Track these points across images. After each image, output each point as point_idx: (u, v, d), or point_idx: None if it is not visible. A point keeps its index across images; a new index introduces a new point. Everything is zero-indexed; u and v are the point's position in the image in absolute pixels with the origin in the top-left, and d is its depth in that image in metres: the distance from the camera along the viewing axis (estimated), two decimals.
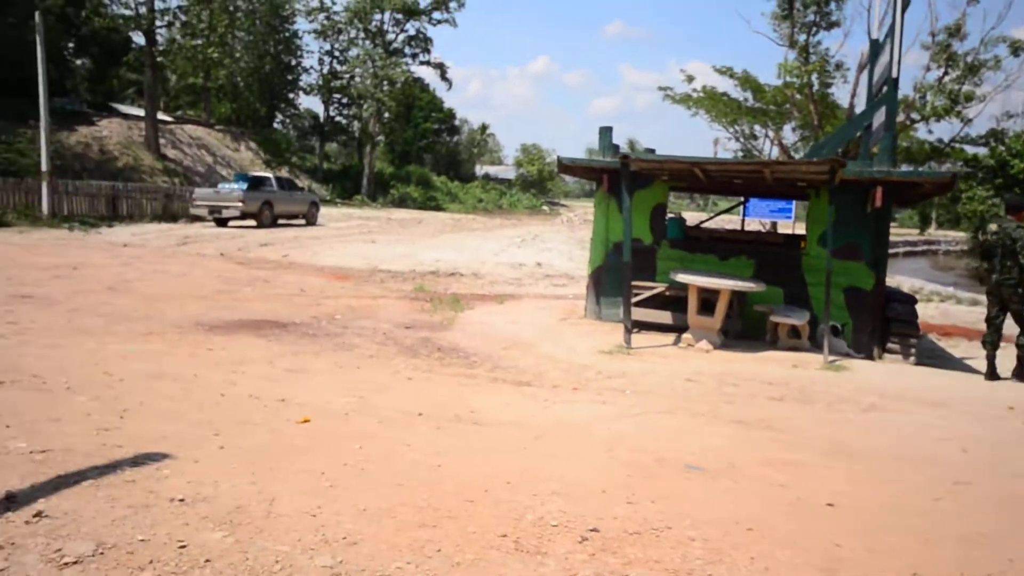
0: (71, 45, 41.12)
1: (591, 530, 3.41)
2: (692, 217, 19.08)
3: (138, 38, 40.09)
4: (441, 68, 58.71)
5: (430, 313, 10.43)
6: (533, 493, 3.83)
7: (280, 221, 26.81)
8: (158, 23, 36.94)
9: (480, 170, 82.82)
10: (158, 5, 36.97)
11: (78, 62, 44.44)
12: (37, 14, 24.24)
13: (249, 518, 3.32)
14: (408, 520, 3.40)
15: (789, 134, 32.25)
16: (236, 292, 11.54)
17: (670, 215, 11.66)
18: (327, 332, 8.63)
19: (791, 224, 23.98)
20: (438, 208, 53.55)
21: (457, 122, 76.37)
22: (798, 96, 28.87)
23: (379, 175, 55.54)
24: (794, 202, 20.68)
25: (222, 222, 25.18)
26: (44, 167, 23.68)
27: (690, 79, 31.61)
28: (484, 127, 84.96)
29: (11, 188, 23.59)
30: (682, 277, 8.91)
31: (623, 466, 4.41)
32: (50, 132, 24.29)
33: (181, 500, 3.49)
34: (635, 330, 8.91)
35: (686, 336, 9.01)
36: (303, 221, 28.41)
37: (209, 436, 4.56)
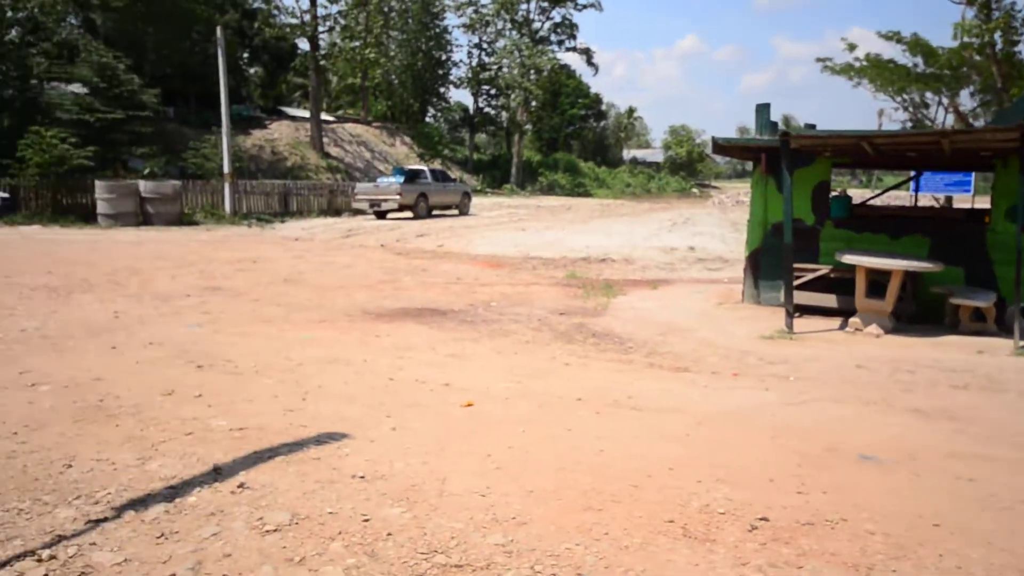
0: (245, 55, 44.37)
1: (760, 519, 3.35)
2: (856, 194, 18.01)
3: (303, 44, 42.56)
4: (587, 54, 58.52)
5: (583, 299, 10.48)
6: (697, 480, 3.80)
7: (434, 212, 27.72)
8: (320, 29, 39.09)
9: (627, 154, 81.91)
10: (320, 12, 39.11)
11: (251, 71, 47.88)
12: (219, 29, 26.28)
13: (424, 496, 3.51)
14: (574, 503, 3.48)
15: (967, 100, 29.70)
16: (397, 281, 12.08)
17: (834, 193, 11.06)
18: (484, 319, 8.87)
19: (970, 198, 22.11)
20: (586, 194, 53.53)
21: (603, 107, 75.86)
22: (977, 57, 26.50)
23: (527, 163, 56.18)
24: (973, 174, 19.01)
25: (381, 215, 26.37)
26: (226, 169, 25.73)
27: (852, 47, 29.81)
28: (631, 111, 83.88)
29: (199, 190, 25.88)
30: (849, 258, 8.45)
31: (791, 455, 4.28)
32: (230, 137, 26.32)
33: (362, 477, 3.74)
34: (797, 314, 8.55)
35: (853, 320, 8.55)
36: (456, 211, 29.23)
37: (382, 418, 4.83)
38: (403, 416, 4.88)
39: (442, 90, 58.03)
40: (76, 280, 10.98)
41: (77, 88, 28.76)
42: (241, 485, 3.60)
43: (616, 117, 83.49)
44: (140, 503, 3.42)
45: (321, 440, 4.31)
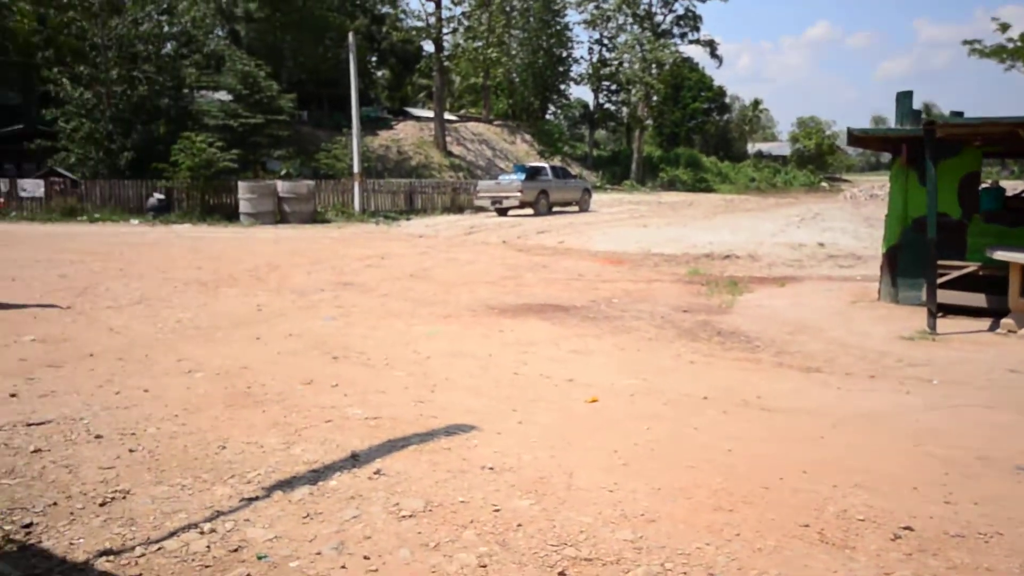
0: (374, 59, 46.01)
1: (904, 528, 3.20)
2: (1008, 186, 16.69)
3: (428, 46, 43.73)
4: (711, 45, 57.17)
5: (707, 296, 10.28)
6: (833, 484, 3.67)
7: (555, 209, 27.82)
8: (444, 31, 40.04)
9: (752, 148, 79.28)
10: (444, 14, 40.02)
11: (379, 74, 49.58)
12: (350, 35, 27.38)
13: (552, 489, 3.57)
14: (703, 502, 3.44)
15: None
16: (519, 278, 12.22)
17: (984, 184, 10.33)
18: (606, 315, 8.85)
19: None
20: (708, 189, 52.27)
21: (727, 99, 73.82)
22: None
23: (647, 159, 55.44)
24: None
25: (503, 212, 26.73)
26: (356, 169, 26.80)
27: (1004, 28, 27.67)
28: (756, 103, 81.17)
29: (331, 189, 27.10)
30: (1002, 254, 7.88)
31: (936, 462, 4.05)
32: (360, 138, 27.38)
33: (491, 468, 3.84)
34: (940, 314, 8.06)
35: (1006, 321, 7.97)
36: (576, 208, 29.22)
37: (508, 411, 4.93)
38: (529, 410, 4.95)
39: (562, 87, 58.13)
40: (222, 275, 11.74)
41: (223, 96, 30.68)
42: (377, 471, 3.77)
43: (740, 110, 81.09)
44: (287, 484, 3.64)
45: (450, 431, 4.44)
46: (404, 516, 3.27)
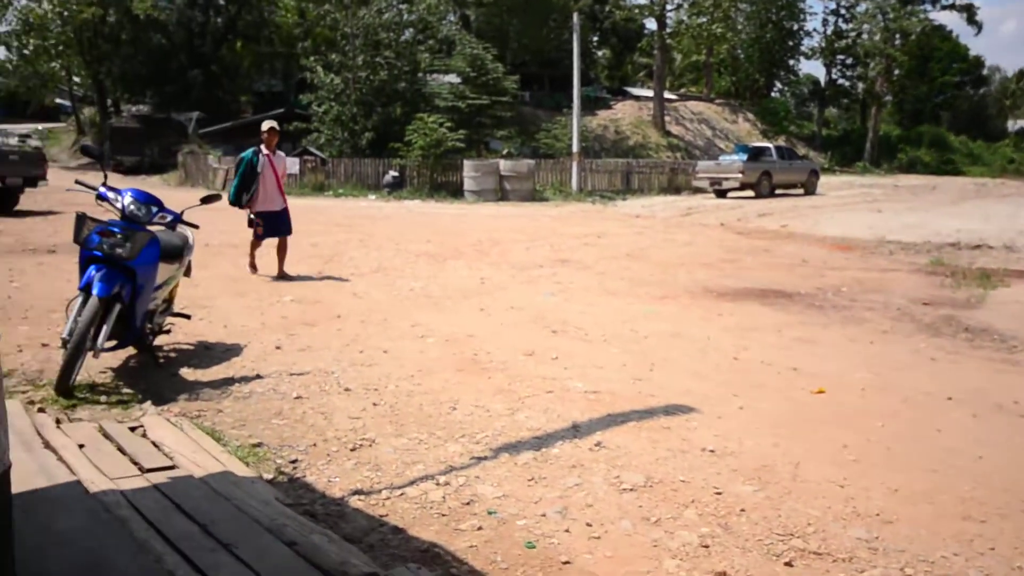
0: (595, 39, 46.10)
1: None
2: None
3: (650, 24, 43.06)
4: (968, 10, 51.01)
5: (952, 289, 9.32)
6: None
7: (778, 191, 26.46)
8: (668, 7, 39.13)
9: (1013, 125, 70.02)
10: None
11: (599, 53, 49.60)
12: (575, 15, 27.62)
13: (776, 478, 3.45)
14: (949, 509, 3.17)
15: None
16: (739, 261, 11.80)
17: None
18: (833, 304, 8.33)
19: None
20: (956, 172, 47.01)
21: (985, 71, 65.68)
22: None
23: (884, 138, 50.83)
24: None
25: (721, 193, 25.85)
26: (575, 149, 27.12)
27: None
28: (1021, 74, 71.44)
29: (549, 168, 27.66)
30: None
31: None
32: (579, 118, 27.65)
33: (711, 451, 3.78)
34: None
35: None
36: (801, 190, 27.57)
37: (728, 396, 4.81)
38: (750, 396, 4.80)
39: (791, 62, 54.68)
40: (449, 249, 12.42)
41: (452, 78, 32.22)
42: (598, 444, 3.85)
43: (1000, 83, 71.83)
44: (512, 448, 3.82)
45: (669, 411, 4.42)
46: (625, 489, 3.32)
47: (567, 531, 2.95)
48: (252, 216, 9.06)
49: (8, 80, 46.15)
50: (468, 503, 3.19)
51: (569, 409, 4.43)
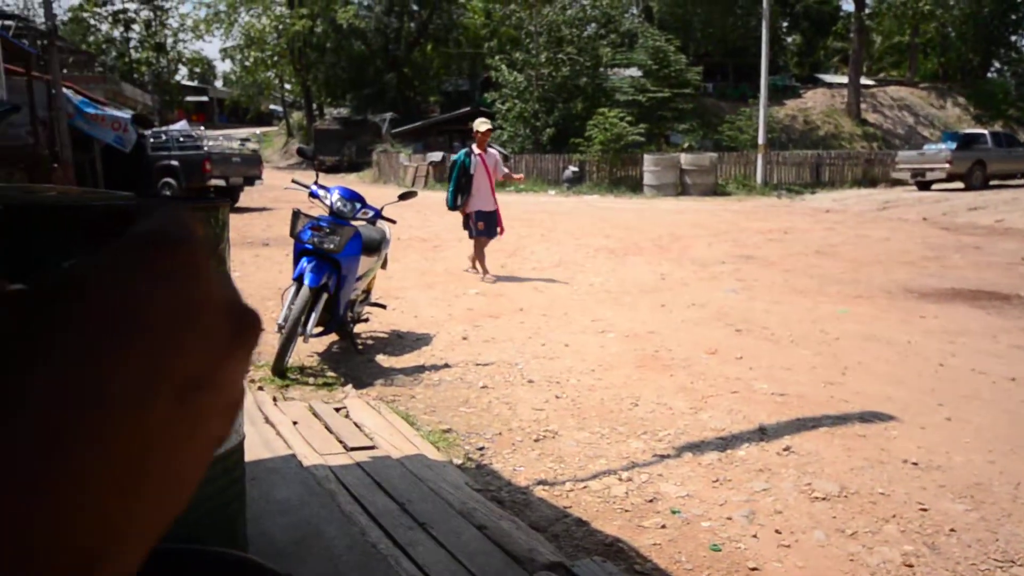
0: (785, 25, 43.88)
1: None
2: None
3: (847, 5, 40.33)
4: None
5: None
6: None
7: (992, 182, 23.93)
8: None
9: None
10: None
11: (789, 39, 47.14)
12: (764, 1, 26.44)
13: (993, 497, 3.15)
14: None
15: None
16: (944, 259, 10.82)
17: None
18: None
19: None
20: None
21: None
22: None
23: None
24: None
25: (924, 185, 23.78)
26: (761, 140, 26.02)
27: None
28: None
29: (732, 161, 26.72)
30: None
31: None
32: (766, 108, 26.47)
33: (914, 463, 3.51)
34: None
35: None
36: None
37: (933, 405, 4.44)
38: (958, 407, 4.40)
39: (1012, 38, 49.12)
40: (628, 244, 12.35)
41: (633, 72, 31.93)
42: (787, 448, 3.69)
43: None
44: (696, 447, 3.75)
45: (865, 418, 4.15)
46: (817, 497, 3.16)
47: (755, 536, 2.86)
48: (467, 216, 8.94)
49: (232, 89, 51.41)
50: (651, 500, 3.17)
51: (755, 411, 4.28)
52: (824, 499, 3.15)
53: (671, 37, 31.00)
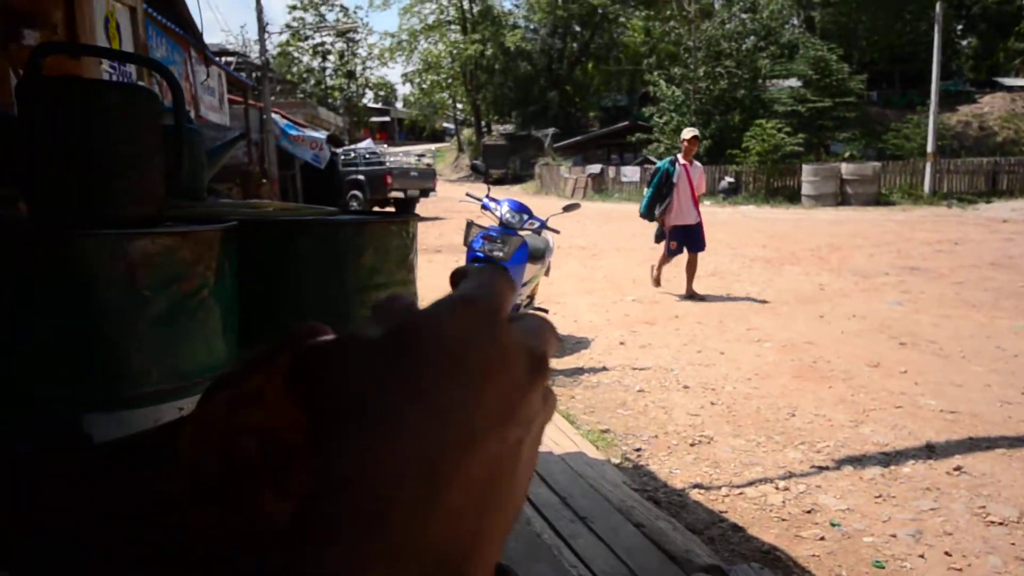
0: (959, 27, 40.21)
1: None
2: None
3: None
4: None
5: None
6: None
7: None
8: None
9: None
10: None
11: (963, 43, 43.12)
12: (937, 5, 24.35)
13: None
14: None
15: None
16: None
17: None
18: None
19: None
20: None
21: None
22: None
23: None
24: None
25: None
26: (930, 148, 23.95)
27: None
28: None
29: (897, 170, 24.75)
30: None
31: None
32: (936, 115, 24.35)
33: None
34: None
35: None
36: None
37: None
38: None
39: None
40: (785, 253, 11.77)
41: (792, 82, 30.43)
42: (957, 468, 3.38)
43: None
44: (856, 461, 3.53)
45: None
46: (992, 521, 2.87)
47: (921, 557, 2.65)
48: (663, 230, 8.32)
49: (411, 110, 54.12)
50: (809, 511, 3.01)
51: (922, 427, 3.95)
52: (1001, 524, 2.86)
53: (833, 46, 29.24)
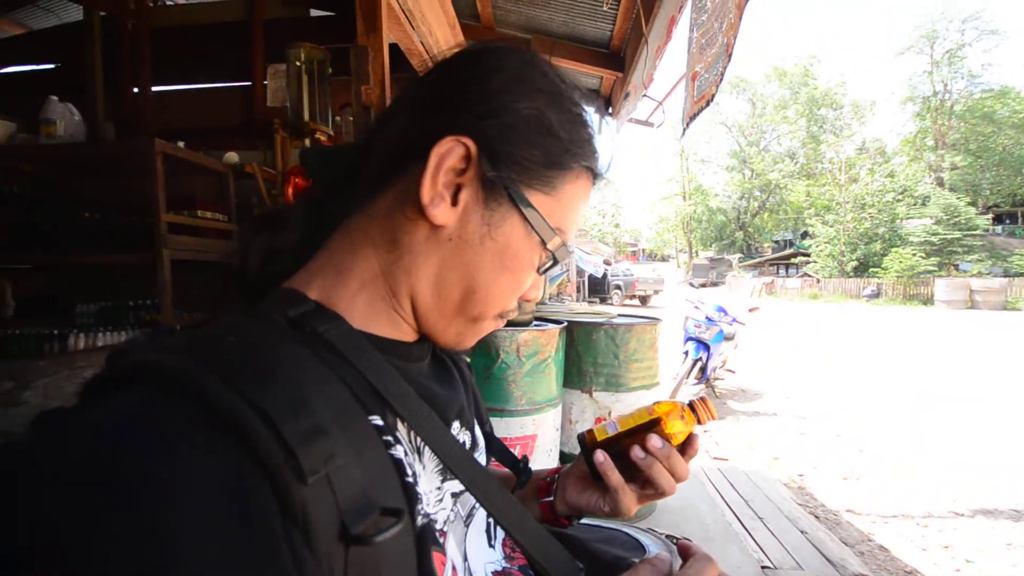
0: None
1: None
2: None
3: None
4: None
5: None
6: None
7: None
8: None
9: None
10: None
11: None
12: None
13: None
14: None
15: None
16: None
17: None
18: None
19: None
20: None
21: None
22: None
23: None
24: None
25: None
26: None
27: None
28: None
29: (1021, 284, 18.34)
30: None
31: None
32: None
33: None
34: None
35: None
36: None
37: None
38: None
39: None
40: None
41: (926, 221, 24.49)
42: None
43: None
44: (989, 513, 2.87)
45: None
46: None
47: None
48: None
49: (650, 243, 50.95)
50: (946, 547, 2.41)
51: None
52: None
53: (960, 196, 22.99)
